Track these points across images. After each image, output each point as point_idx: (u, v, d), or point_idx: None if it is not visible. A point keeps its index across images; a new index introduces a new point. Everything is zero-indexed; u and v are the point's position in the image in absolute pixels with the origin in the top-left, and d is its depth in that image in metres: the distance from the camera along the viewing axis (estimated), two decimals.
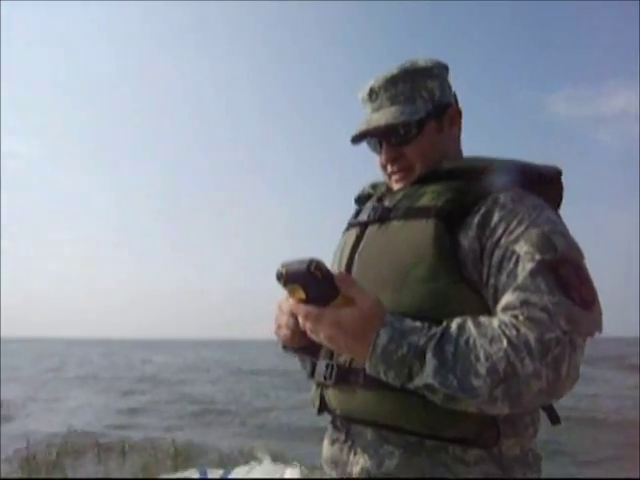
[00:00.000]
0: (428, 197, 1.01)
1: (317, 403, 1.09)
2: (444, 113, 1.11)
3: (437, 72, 1.13)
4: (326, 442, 1.09)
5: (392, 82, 1.10)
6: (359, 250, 1.09)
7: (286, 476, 3.27)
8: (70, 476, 5.08)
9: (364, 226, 1.11)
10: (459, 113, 1.15)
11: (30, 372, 19.73)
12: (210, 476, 3.12)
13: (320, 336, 0.88)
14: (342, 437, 1.04)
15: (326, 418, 1.11)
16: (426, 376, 0.82)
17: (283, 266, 0.85)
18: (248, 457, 4.40)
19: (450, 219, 0.97)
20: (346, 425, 1.03)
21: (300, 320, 0.90)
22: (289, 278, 0.86)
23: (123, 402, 11.81)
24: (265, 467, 3.19)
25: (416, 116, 1.08)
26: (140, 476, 4.89)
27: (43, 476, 4.97)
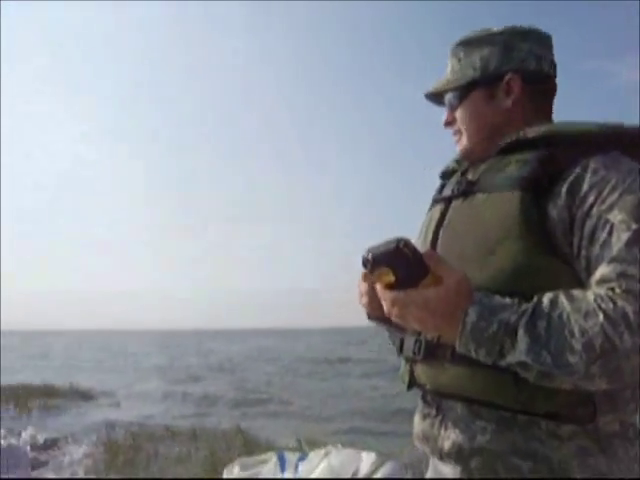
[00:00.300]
0: (513, 167, 0.98)
1: (406, 378, 1.08)
2: (498, 82, 1.07)
3: (501, 39, 1.08)
4: (417, 417, 1.08)
5: (455, 49, 1.13)
6: (444, 226, 1.06)
7: (362, 462, 3.26)
8: (150, 456, 5.27)
9: (448, 201, 1.09)
10: (523, 83, 1.07)
11: (112, 363, 20.73)
12: (287, 460, 3.15)
13: (408, 320, 0.87)
14: (433, 412, 1.02)
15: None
16: (519, 353, 0.80)
17: (369, 251, 0.83)
18: (320, 445, 4.41)
19: (537, 189, 0.93)
20: (437, 400, 1.02)
21: (386, 308, 0.88)
22: (376, 261, 0.83)
23: (195, 390, 12.20)
24: (341, 452, 3.19)
25: (461, 82, 1.10)
26: (210, 461, 5.02)
27: (123, 457, 5.18)
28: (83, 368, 17.52)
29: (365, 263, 0.84)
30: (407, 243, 0.81)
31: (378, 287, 0.88)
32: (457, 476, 0.97)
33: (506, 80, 1.06)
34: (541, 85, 1.08)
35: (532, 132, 1.01)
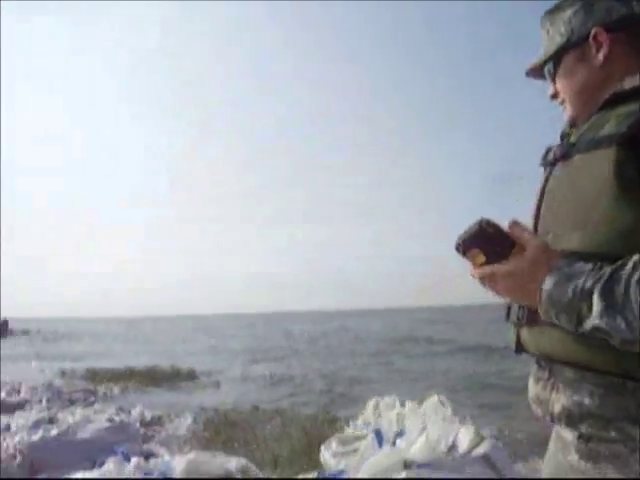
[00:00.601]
0: (611, 123, 0.93)
1: (514, 343, 1.08)
2: (585, 41, 1.04)
3: None
4: (531, 380, 1.08)
5: (542, 21, 1.13)
6: (546, 191, 1.05)
7: (461, 437, 3.19)
8: (247, 433, 5.46)
9: (552, 165, 1.07)
10: (607, 34, 1.00)
11: (210, 346, 21.63)
12: (385, 435, 3.15)
13: (499, 292, 0.93)
14: (545, 375, 1.02)
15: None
16: (593, 318, 0.79)
17: (459, 237, 0.90)
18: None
19: (635, 144, 0.86)
20: (548, 363, 1.01)
21: (480, 283, 0.93)
22: (466, 245, 0.90)
23: (286, 371, 12.52)
24: (439, 427, 3.14)
25: (550, 51, 1.09)
26: (305, 439, 5.11)
27: (224, 434, 5.41)
28: (183, 351, 18.44)
29: (457, 248, 0.91)
30: (488, 222, 0.87)
31: (471, 267, 0.93)
32: (575, 441, 0.96)
33: (592, 36, 1.02)
34: (634, 28, 1.00)
35: (629, 83, 0.97)
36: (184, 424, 6.22)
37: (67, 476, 3.53)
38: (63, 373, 11.88)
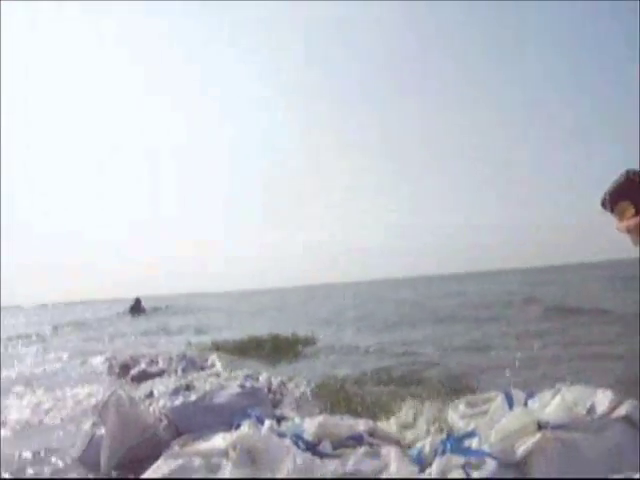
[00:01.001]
0: None
1: None
2: None
3: None
4: None
5: None
6: None
7: (598, 399, 3.03)
8: (364, 397, 5.56)
9: None
10: None
11: (328, 315, 22.12)
12: (515, 397, 3.06)
13: None
14: None
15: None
16: None
17: (605, 193, 0.90)
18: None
19: None
20: None
21: (630, 236, 0.87)
22: (613, 198, 0.91)
23: (402, 335, 12.52)
24: (574, 389, 3.00)
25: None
26: (428, 403, 5.10)
27: (344, 403, 5.53)
28: (301, 321, 19.04)
29: (604, 204, 0.90)
30: (635, 171, 0.92)
31: (617, 221, 0.92)
32: None
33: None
34: None
35: None
36: (307, 389, 6.46)
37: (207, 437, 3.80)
38: (191, 345, 12.73)
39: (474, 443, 2.92)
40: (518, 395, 3.13)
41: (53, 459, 4.45)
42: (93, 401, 6.21)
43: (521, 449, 2.68)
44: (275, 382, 6.65)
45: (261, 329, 13.87)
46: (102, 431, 4.22)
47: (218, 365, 8.89)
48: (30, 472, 4.21)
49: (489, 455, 2.73)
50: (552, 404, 2.87)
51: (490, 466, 2.68)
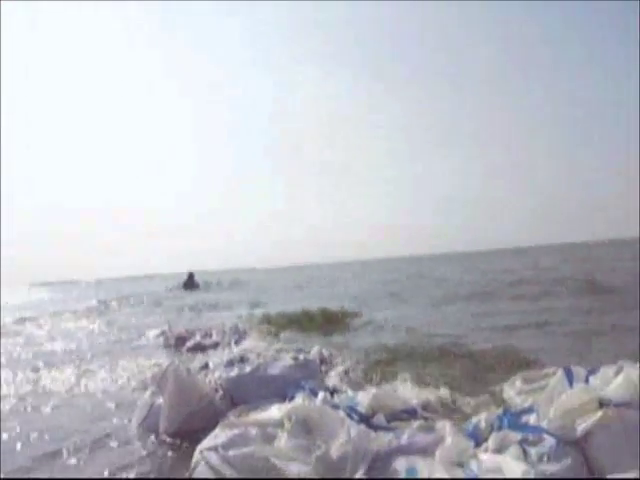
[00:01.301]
0: None
1: None
2: None
3: None
4: None
5: None
6: None
7: None
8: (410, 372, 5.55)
9: None
10: None
11: (372, 289, 22.16)
12: (575, 373, 2.98)
13: None
14: None
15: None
16: None
17: None
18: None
19: None
20: None
21: None
22: None
23: (456, 309, 12.40)
24: (636, 366, 2.89)
25: None
26: (486, 377, 5.02)
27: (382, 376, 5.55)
28: (348, 295, 19.11)
29: None
30: None
31: None
32: None
33: None
34: None
35: None
36: (357, 362, 6.50)
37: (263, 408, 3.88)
38: (243, 318, 13.00)
39: (532, 419, 2.86)
40: (578, 371, 3.04)
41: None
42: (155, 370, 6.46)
43: (581, 427, 2.61)
44: (326, 353, 6.72)
45: (309, 303, 14.00)
46: (161, 400, 4.38)
47: (267, 338, 9.08)
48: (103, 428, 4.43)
49: (547, 432, 2.68)
50: (615, 382, 2.77)
51: (549, 443, 2.62)
